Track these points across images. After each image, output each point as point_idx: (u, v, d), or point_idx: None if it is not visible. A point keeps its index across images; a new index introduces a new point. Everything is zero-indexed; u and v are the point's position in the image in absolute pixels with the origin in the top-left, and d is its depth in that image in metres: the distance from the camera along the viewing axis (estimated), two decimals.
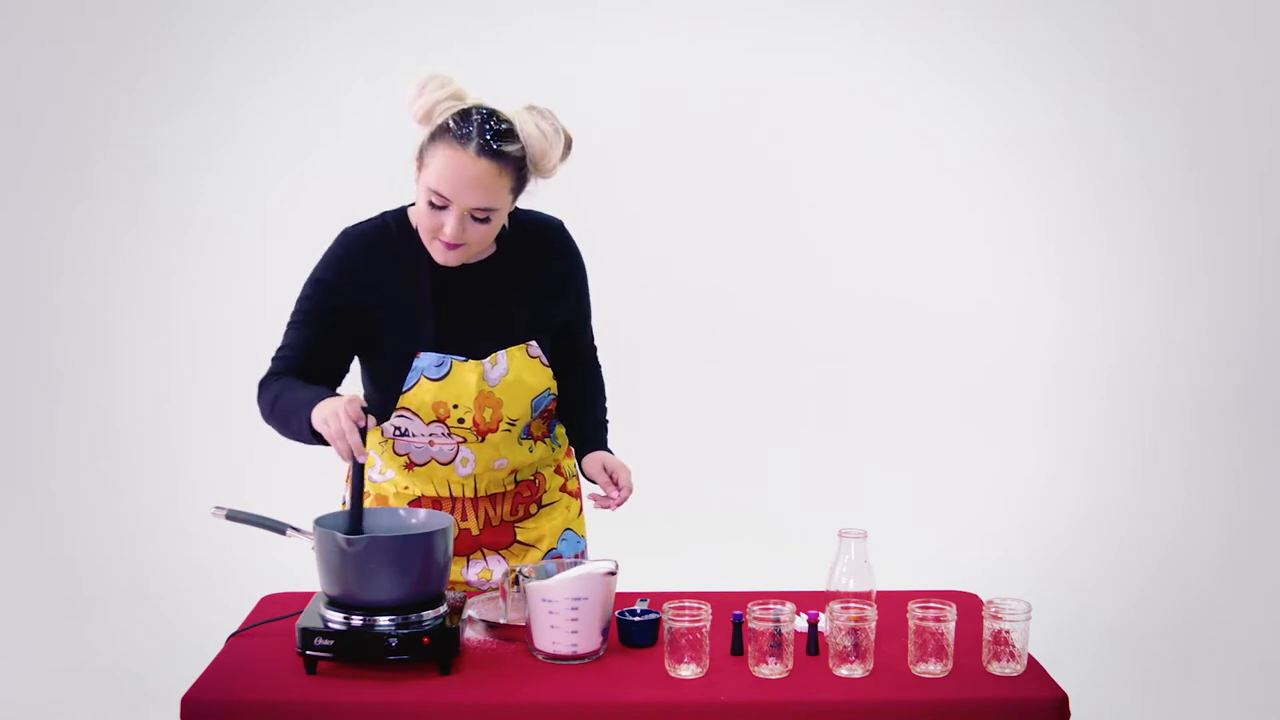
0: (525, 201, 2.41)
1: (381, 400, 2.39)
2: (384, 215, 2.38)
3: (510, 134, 2.21)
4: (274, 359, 2.35)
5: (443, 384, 2.34)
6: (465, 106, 2.22)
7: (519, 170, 2.23)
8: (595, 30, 4.89)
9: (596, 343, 2.65)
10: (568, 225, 2.51)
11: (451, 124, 2.20)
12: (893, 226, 4.98)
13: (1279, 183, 4.85)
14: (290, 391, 2.25)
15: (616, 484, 2.40)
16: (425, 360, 2.33)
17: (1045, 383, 4.96)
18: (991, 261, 4.97)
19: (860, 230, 4.97)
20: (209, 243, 4.85)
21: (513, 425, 2.41)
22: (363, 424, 2.12)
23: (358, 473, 2.15)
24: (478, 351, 2.36)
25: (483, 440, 2.39)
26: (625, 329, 4.83)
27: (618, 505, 2.41)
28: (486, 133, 2.18)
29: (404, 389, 2.34)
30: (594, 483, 2.45)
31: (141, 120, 4.78)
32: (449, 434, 2.38)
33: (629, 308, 4.84)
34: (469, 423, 2.36)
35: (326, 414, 2.13)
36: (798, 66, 4.92)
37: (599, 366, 2.64)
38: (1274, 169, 4.84)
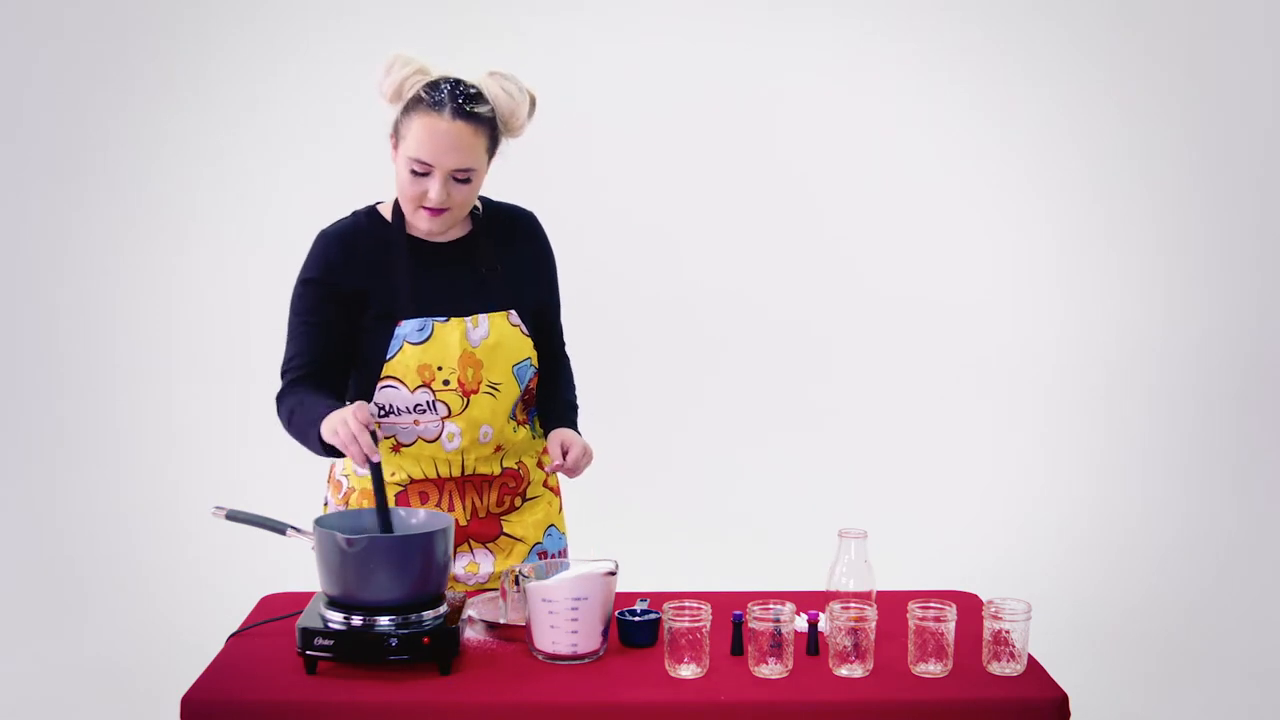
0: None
1: (367, 375, 2.43)
2: (354, 213, 2.49)
3: (479, 97, 2.33)
4: (285, 371, 2.42)
5: (425, 346, 2.39)
6: (433, 78, 2.34)
7: (492, 131, 2.35)
8: (596, 30, 4.89)
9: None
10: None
11: (424, 94, 2.32)
12: (893, 226, 4.97)
13: (1279, 182, 4.85)
14: (303, 408, 2.34)
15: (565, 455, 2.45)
16: (407, 327, 2.39)
17: (1045, 382, 4.96)
18: (992, 261, 4.97)
19: (861, 230, 4.97)
20: (209, 242, 4.85)
21: (494, 389, 2.44)
22: (371, 427, 2.19)
23: (376, 474, 2.18)
24: (459, 311, 2.42)
25: (468, 402, 2.41)
26: (624, 327, 4.85)
27: (554, 470, 2.45)
28: (458, 97, 2.30)
29: (388, 357, 2.39)
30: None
31: (142, 120, 4.78)
32: (434, 402, 2.40)
33: (628, 306, 4.84)
34: (454, 383, 2.40)
35: (335, 424, 2.22)
36: (798, 64, 4.92)
37: (568, 360, 2.70)
38: (1275, 169, 4.84)
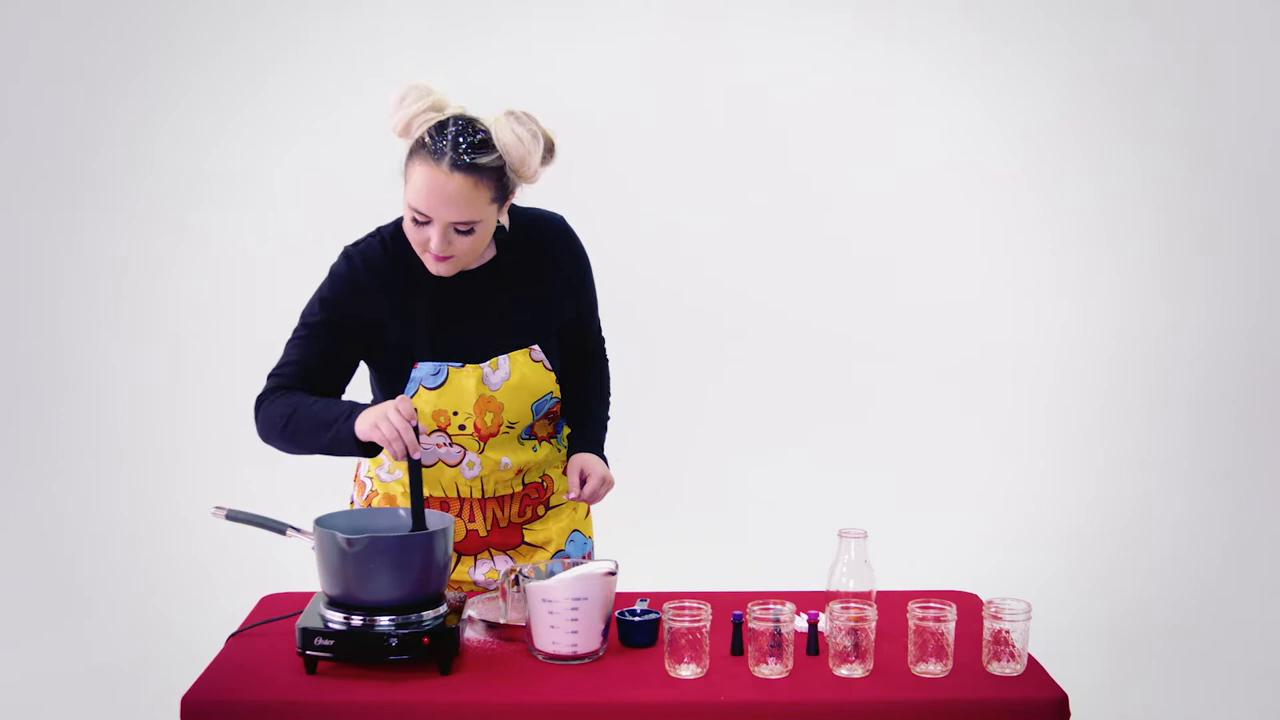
0: (529, 198, 2.42)
1: None
2: (379, 231, 2.38)
3: (486, 144, 2.19)
4: (273, 375, 2.34)
5: (440, 392, 2.34)
6: (442, 118, 2.20)
7: (498, 179, 2.21)
8: (597, 29, 4.88)
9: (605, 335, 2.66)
10: (572, 219, 2.50)
11: (427, 139, 2.18)
12: (893, 226, 4.97)
13: (1279, 182, 4.85)
14: (310, 407, 2.25)
15: (582, 485, 2.43)
16: (423, 370, 2.34)
17: (1046, 383, 4.96)
18: (992, 261, 4.97)
19: (860, 230, 4.97)
20: (210, 242, 4.85)
21: (512, 427, 2.42)
22: (415, 422, 2.14)
23: (415, 471, 2.15)
24: (476, 356, 2.36)
25: (484, 445, 2.40)
26: (622, 328, 4.83)
27: (575, 499, 2.44)
28: (460, 146, 2.16)
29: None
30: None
31: (142, 119, 4.78)
32: (451, 444, 2.39)
33: (626, 307, 4.83)
34: (470, 429, 2.37)
35: (375, 418, 2.14)
36: (800, 64, 4.92)
37: (606, 360, 2.65)
38: (1275, 168, 4.83)
